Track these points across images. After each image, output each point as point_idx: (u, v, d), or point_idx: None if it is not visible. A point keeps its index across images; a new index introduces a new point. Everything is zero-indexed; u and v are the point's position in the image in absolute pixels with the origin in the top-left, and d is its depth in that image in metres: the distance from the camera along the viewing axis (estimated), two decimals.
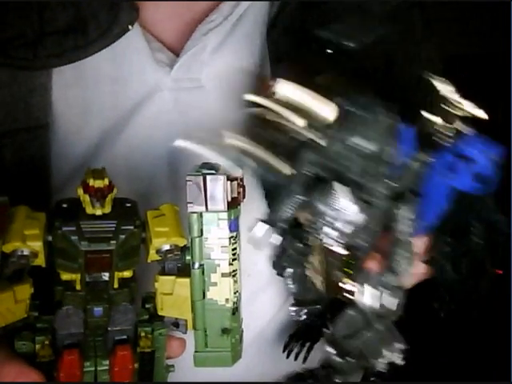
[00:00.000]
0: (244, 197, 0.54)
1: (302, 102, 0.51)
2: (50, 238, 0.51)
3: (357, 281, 0.57)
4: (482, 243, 0.58)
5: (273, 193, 0.61)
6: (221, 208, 0.52)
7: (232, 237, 0.53)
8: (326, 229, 0.54)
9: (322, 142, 0.52)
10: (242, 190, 0.54)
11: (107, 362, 0.52)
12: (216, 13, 0.67)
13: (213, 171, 0.52)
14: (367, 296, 0.54)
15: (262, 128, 0.54)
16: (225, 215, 0.52)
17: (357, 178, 0.53)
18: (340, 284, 0.58)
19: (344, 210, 0.54)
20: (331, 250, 0.57)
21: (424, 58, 0.74)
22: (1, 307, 0.50)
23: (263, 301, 0.74)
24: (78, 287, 0.52)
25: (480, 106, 0.54)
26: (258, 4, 0.69)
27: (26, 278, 0.51)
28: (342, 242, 0.55)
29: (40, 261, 0.51)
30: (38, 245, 0.50)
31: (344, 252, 0.56)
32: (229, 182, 0.52)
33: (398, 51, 0.70)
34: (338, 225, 0.54)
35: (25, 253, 0.50)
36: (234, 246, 0.53)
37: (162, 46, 0.67)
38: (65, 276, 0.52)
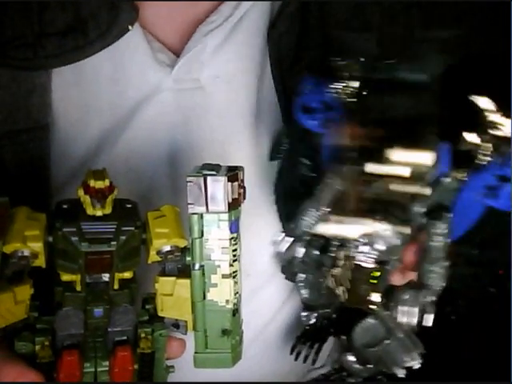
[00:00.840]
0: (244, 198, 0.54)
1: None
2: (50, 239, 0.51)
3: (388, 297, 0.57)
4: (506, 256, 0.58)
5: (292, 202, 0.61)
6: (221, 209, 0.52)
7: (232, 238, 0.53)
8: (362, 247, 0.55)
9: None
10: (242, 191, 0.54)
11: (107, 363, 0.52)
12: (217, 13, 0.67)
13: (213, 172, 0.52)
14: (406, 315, 0.55)
15: None
16: (225, 216, 0.52)
17: (397, 198, 0.53)
18: (365, 296, 0.58)
19: (382, 230, 0.54)
20: (359, 264, 0.57)
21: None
22: (1, 308, 0.50)
23: (263, 300, 0.74)
24: (78, 288, 0.52)
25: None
26: (258, 5, 0.69)
27: (26, 279, 0.51)
28: (374, 257, 0.55)
29: (40, 262, 0.51)
30: (38, 246, 0.50)
31: (373, 266, 0.57)
32: (229, 183, 0.52)
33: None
34: (375, 244, 0.54)
35: (25, 254, 0.50)
36: (235, 247, 0.53)
37: (162, 47, 0.67)
38: (65, 277, 0.52)
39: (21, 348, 0.52)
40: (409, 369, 0.61)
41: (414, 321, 0.54)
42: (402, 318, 0.55)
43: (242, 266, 0.55)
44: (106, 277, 0.52)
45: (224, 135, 0.69)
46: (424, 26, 0.75)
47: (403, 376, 0.61)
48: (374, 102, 0.53)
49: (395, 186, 0.52)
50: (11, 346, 0.52)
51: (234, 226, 0.53)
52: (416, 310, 0.54)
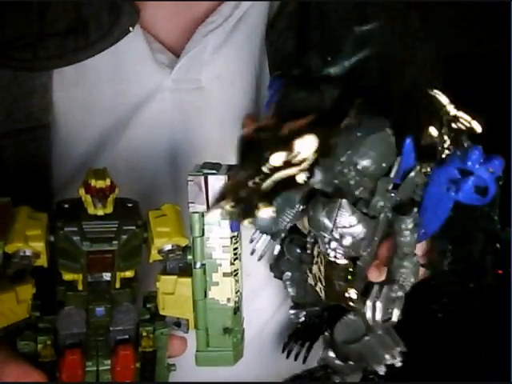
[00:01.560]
0: None
1: None
2: (52, 239, 0.51)
3: (360, 292, 0.57)
4: (481, 251, 0.58)
5: None
6: None
7: (233, 236, 0.53)
8: (331, 243, 0.55)
9: (318, 184, 0.52)
10: None
11: (109, 362, 0.52)
12: (216, 14, 0.67)
13: (214, 171, 0.52)
14: (372, 310, 0.55)
15: None
16: None
17: (360, 194, 0.53)
18: (342, 293, 0.58)
19: (349, 225, 0.54)
20: (332, 261, 0.57)
21: (422, 62, 0.74)
22: (3, 307, 0.50)
23: (263, 300, 0.74)
24: (80, 287, 0.52)
25: (480, 105, 0.54)
26: (257, 5, 0.69)
27: (28, 279, 0.52)
28: (344, 253, 0.56)
29: (42, 261, 0.51)
30: (40, 245, 0.50)
31: (345, 262, 0.57)
32: None
33: (395, 61, 0.70)
34: (343, 240, 0.54)
35: (27, 253, 0.50)
36: (236, 245, 0.54)
37: (162, 47, 0.67)
38: (67, 276, 0.52)
39: (23, 347, 0.52)
40: (391, 367, 0.61)
41: (379, 316, 0.54)
42: (368, 314, 0.54)
43: (242, 266, 0.56)
44: (107, 276, 0.52)
45: (223, 135, 0.69)
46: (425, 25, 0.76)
47: (382, 373, 0.61)
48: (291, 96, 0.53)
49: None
50: (13, 345, 0.52)
51: (235, 225, 0.53)
52: (381, 305, 0.54)
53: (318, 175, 0.52)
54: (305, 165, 0.46)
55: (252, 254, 0.58)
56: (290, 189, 0.48)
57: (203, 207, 0.52)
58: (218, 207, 0.46)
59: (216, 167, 0.53)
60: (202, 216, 0.53)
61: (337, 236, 0.55)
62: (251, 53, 0.70)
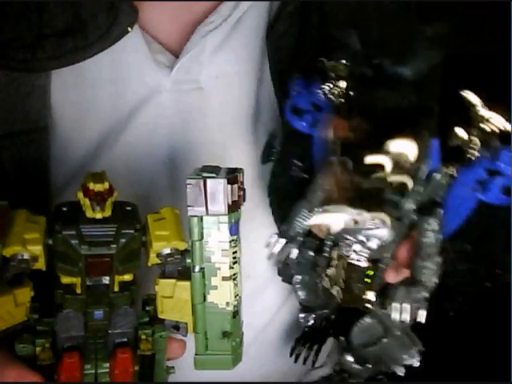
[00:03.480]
0: (244, 200, 0.54)
1: None
2: (50, 242, 0.51)
3: (384, 295, 0.57)
4: (501, 250, 0.58)
5: (285, 204, 0.61)
6: (221, 211, 0.52)
7: (232, 240, 0.53)
8: (355, 245, 0.55)
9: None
10: (242, 193, 0.54)
11: (107, 365, 0.52)
12: (215, 14, 0.67)
13: (213, 174, 0.52)
14: (399, 311, 0.55)
15: None
16: (225, 218, 0.52)
17: (389, 196, 0.53)
18: (360, 295, 0.58)
19: (375, 227, 0.54)
20: (352, 263, 0.57)
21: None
22: (1, 310, 0.50)
23: (263, 301, 0.74)
24: (79, 291, 0.52)
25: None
26: (257, 6, 0.69)
27: (26, 282, 0.52)
28: (369, 256, 0.55)
29: (40, 264, 0.51)
30: (38, 249, 0.50)
31: (367, 265, 0.57)
32: (229, 186, 0.52)
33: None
34: (368, 242, 0.54)
35: (25, 257, 0.50)
36: (235, 249, 0.53)
37: (161, 48, 0.67)
38: (65, 279, 0.52)
39: (21, 350, 0.52)
40: (408, 366, 0.61)
41: (407, 317, 0.54)
42: (395, 315, 0.54)
43: (242, 267, 0.55)
44: (106, 279, 0.52)
45: (223, 136, 0.69)
46: (423, 24, 0.75)
47: (402, 374, 0.61)
48: (361, 99, 0.52)
49: (383, 178, 0.52)
50: (12, 348, 0.52)
51: (234, 229, 0.53)
52: (408, 306, 0.54)
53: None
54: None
55: (269, 258, 0.58)
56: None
57: (202, 210, 0.52)
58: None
59: (215, 170, 0.53)
60: (201, 219, 0.52)
61: (362, 239, 0.54)
62: (251, 53, 0.70)
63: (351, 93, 0.54)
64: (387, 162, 0.51)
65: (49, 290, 0.53)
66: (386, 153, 0.50)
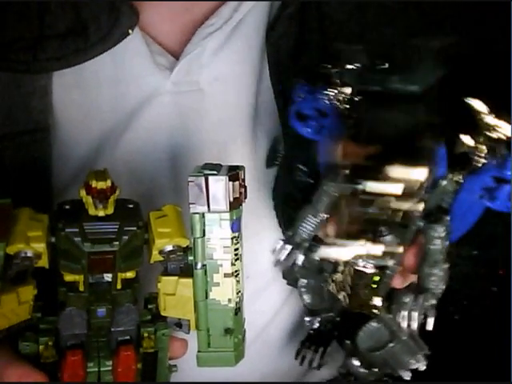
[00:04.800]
0: (246, 197, 0.55)
1: None
2: (53, 240, 0.51)
3: (391, 300, 0.58)
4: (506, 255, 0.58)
5: (290, 209, 0.61)
6: (223, 208, 0.52)
7: (234, 237, 0.53)
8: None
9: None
10: (243, 190, 0.54)
11: (110, 363, 0.52)
12: (216, 16, 0.67)
13: (214, 172, 0.52)
14: (406, 319, 0.55)
15: None
16: (227, 216, 0.52)
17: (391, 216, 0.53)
18: (367, 301, 0.58)
19: (381, 233, 0.54)
20: (359, 270, 0.57)
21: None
22: (4, 308, 0.50)
23: (264, 302, 0.74)
24: (82, 288, 0.52)
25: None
26: (257, 7, 0.69)
27: (29, 280, 0.52)
28: (373, 263, 0.56)
29: (43, 262, 0.51)
30: (41, 246, 0.50)
31: (373, 271, 0.57)
32: (231, 183, 0.52)
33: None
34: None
35: (28, 254, 0.50)
36: (237, 246, 0.54)
37: (161, 49, 0.67)
38: (68, 277, 0.52)
39: (25, 348, 0.52)
40: (414, 370, 0.61)
41: (415, 325, 0.54)
42: (403, 323, 0.55)
43: (243, 268, 0.56)
44: (108, 277, 0.52)
45: (223, 137, 0.69)
46: (423, 31, 0.75)
47: (408, 378, 0.61)
48: (367, 115, 0.52)
49: (390, 204, 0.52)
50: (15, 346, 0.52)
51: (236, 225, 0.53)
52: (416, 314, 0.54)
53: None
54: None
55: (276, 265, 0.58)
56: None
57: (204, 208, 0.52)
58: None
59: (217, 168, 0.53)
60: (203, 217, 0.53)
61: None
62: (251, 55, 0.70)
63: (357, 99, 0.54)
64: (398, 190, 0.51)
65: (52, 288, 0.53)
66: (397, 180, 0.50)
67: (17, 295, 0.51)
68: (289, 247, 0.57)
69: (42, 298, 0.53)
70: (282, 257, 0.57)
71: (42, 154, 0.64)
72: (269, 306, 0.75)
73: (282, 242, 0.58)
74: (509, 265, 0.62)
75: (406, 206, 0.52)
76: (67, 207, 0.53)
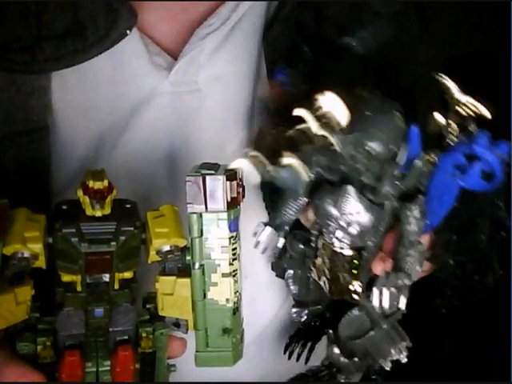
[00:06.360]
0: (243, 196, 0.55)
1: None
2: (50, 240, 0.51)
3: (366, 282, 0.57)
4: (487, 240, 0.58)
5: (274, 195, 0.61)
6: (220, 208, 0.52)
7: (232, 237, 0.53)
8: (337, 232, 0.55)
9: (336, 146, 0.52)
10: (241, 189, 0.54)
11: (109, 363, 0.52)
12: (214, 17, 0.67)
13: (212, 171, 0.52)
14: (379, 298, 0.54)
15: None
16: (224, 215, 0.52)
17: (367, 180, 0.53)
18: (347, 285, 0.58)
19: (355, 212, 0.54)
20: (337, 252, 0.57)
21: (424, 57, 0.74)
22: (2, 309, 0.50)
23: (262, 302, 0.74)
24: (79, 288, 0.52)
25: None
26: (255, 7, 0.69)
27: (26, 280, 0.52)
28: (350, 243, 0.56)
29: (40, 263, 0.51)
30: (38, 247, 0.50)
31: (350, 253, 0.57)
32: (228, 182, 0.52)
33: (402, 51, 0.70)
34: (350, 228, 0.54)
35: (25, 255, 0.50)
36: (234, 245, 0.54)
37: (159, 50, 0.67)
38: (65, 277, 0.52)
39: (22, 348, 0.52)
40: (396, 362, 0.60)
41: (387, 303, 0.54)
42: (375, 302, 0.54)
43: (241, 268, 0.56)
44: (106, 277, 0.52)
45: (221, 137, 0.69)
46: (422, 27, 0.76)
47: (388, 369, 0.60)
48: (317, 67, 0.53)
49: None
50: (13, 346, 0.52)
51: (234, 225, 0.53)
52: (388, 292, 0.54)
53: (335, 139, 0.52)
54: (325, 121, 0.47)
55: (256, 246, 0.58)
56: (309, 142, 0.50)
57: (201, 207, 0.52)
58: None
59: (214, 167, 0.53)
60: (201, 216, 0.52)
61: (343, 224, 0.55)
62: (248, 54, 0.70)
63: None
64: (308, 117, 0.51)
65: (49, 288, 0.53)
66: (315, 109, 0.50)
67: (14, 296, 0.51)
68: (269, 229, 0.57)
69: (39, 298, 0.53)
70: (262, 238, 0.57)
71: (40, 154, 0.64)
72: (267, 306, 0.75)
73: (262, 224, 0.58)
74: (509, 265, 0.61)
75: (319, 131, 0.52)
76: (64, 207, 0.53)
